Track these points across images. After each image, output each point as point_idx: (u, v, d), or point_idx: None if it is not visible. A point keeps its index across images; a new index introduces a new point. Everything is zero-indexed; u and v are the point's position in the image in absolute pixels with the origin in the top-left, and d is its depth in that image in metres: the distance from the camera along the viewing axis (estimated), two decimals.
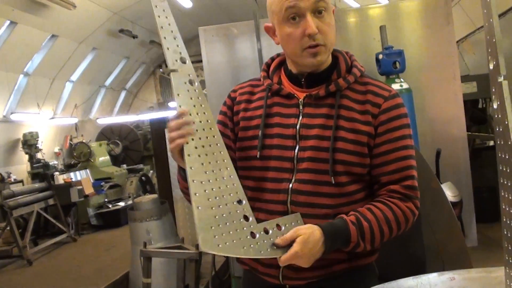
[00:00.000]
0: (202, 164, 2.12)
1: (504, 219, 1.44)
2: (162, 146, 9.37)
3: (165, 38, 2.29)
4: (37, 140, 16.93)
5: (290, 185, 2.32)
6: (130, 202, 14.92)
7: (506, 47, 9.39)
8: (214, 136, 2.24)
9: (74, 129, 20.84)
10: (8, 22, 14.01)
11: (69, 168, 18.10)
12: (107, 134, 21.12)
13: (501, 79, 1.36)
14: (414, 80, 7.25)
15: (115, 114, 24.81)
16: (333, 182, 2.27)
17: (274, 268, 2.33)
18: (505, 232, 1.44)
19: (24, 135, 16.67)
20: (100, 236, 14.32)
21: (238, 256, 2.04)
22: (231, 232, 1.99)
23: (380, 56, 6.97)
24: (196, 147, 2.14)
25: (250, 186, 2.43)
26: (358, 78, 2.39)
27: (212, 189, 2.08)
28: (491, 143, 9.93)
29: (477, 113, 10.92)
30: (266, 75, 2.53)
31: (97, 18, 17.25)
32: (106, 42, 19.16)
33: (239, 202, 2.12)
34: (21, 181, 15.51)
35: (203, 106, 2.27)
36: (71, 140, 20.08)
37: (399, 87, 6.83)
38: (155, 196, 7.27)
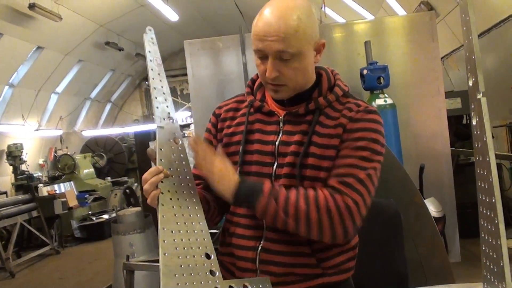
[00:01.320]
0: (175, 215, 2.16)
1: (483, 235, 1.45)
2: (146, 159, 9.35)
3: (156, 98, 2.41)
4: (22, 152, 16.81)
5: None
6: (114, 214, 14.86)
7: (491, 63, 9.47)
8: (191, 192, 2.30)
9: (59, 141, 20.74)
10: None
11: (53, 180, 18.01)
12: (92, 146, 21.05)
13: (479, 96, 1.37)
14: (398, 96, 7.30)
15: (100, 126, 24.72)
16: (305, 189, 2.25)
17: None
18: (483, 248, 1.46)
19: (9, 146, 16.56)
20: (83, 249, 14.24)
21: None
22: (194, 283, 1.99)
23: (365, 72, 7.01)
24: (171, 199, 2.19)
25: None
26: (340, 97, 2.40)
27: (182, 239, 2.10)
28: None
29: (461, 129, 10.96)
30: (250, 91, 2.55)
31: (83, 30, 17.21)
32: (92, 54, 19.11)
33: (207, 256, 2.12)
34: (5, 193, 15.38)
35: (184, 163, 2.35)
36: (55, 152, 19.99)
37: (383, 103, 6.87)
38: (138, 209, 7.24)
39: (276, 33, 2.16)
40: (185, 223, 2.16)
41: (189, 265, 2.03)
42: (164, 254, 1.99)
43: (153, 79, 2.43)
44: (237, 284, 2.12)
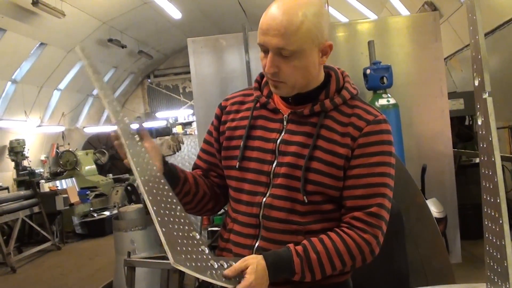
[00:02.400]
0: (158, 198, 2.16)
1: (487, 235, 1.45)
2: None
3: (108, 103, 2.51)
4: (24, 148, 16.81)
5: (264, 199, 2.33)
6: (115, 211, 14.84)
7: (495, 65, 9.47)
8: (161, 180, 2.29)
9: (61, 137, 20.75)
10: None
11: (55, 176, 18.00)
12: (93, 143, 21.05)
13: (485, 95, 1.37)
14: (401, 96, 7.29)
15: (102, 123, 24.73)
16: (306, 201, 2.27)
17: None
18: (487, 248, 1.45)
19: (11, 142, 16.57)
20: (84, 245, 14.24)
21: (205, 279, 2.02)
22: (194, 256, 1.99)
23: (368, 71, 7.00)
24: (146, 188, 2.18)
25: (231, 195, 2.49)
26: (348, 100, 2.36)
27: (171, 219, 2.10)
28: (477, 160, 9.94)
29: (463, 130, 10.95)
30: (257, 86, 2.53)
31: (86, 27, 17.22)
32: (94, 51, 19.10)
33: (194, 237, 2.12)
34: (7, 188, 15.40)
35: (147, 155, 2.37)
36: (57, 148, 20.00)
37: (386, 102, 6.86)
38: (140, 206, 7.24)
39: (277, 28, 2.14)
40: (168, 206, 2.16)
41: (184, 241, 2.04)
42: (162, 230, 1.99)
43: (101, 89, 2.56)
44: (225, 261, 2.12)
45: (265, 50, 2.24)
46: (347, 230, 2.23)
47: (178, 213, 2.16)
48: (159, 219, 2.03)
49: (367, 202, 2.23)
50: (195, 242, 2.08)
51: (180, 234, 2.06)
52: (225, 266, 2.09)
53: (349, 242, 2.20)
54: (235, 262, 2.15)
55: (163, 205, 2.14)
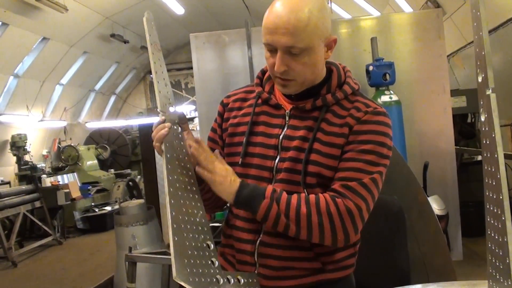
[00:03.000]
0: (181, 202, 2.14)
1: (489, 232, 1.45)
2: (150, 152, 9.36)
3: (158, 82, 2.37)
4: (26, 142, 16.83)
5: None
6: (116, 206, 14.86)
7: (497, 63, 9.45)
8: (192, 181, 2.28)
9: (63, 132, 20.76)
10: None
11: (56, 171, 18.03)
12: (95, 138, 21.08)
13: (489, 92, 1.36)
14: (403, 93, 7.28)
15: (104, 118, 24.74)
16: (306, 194, 2.25)
17: None
18: (489, 245, 1.45)
19: (13, 136, 16.58)
20: (85, 240, 14.26)
21: None
22: (200, 271, 1.98)
23: (370, 68, 6.99)
24: (177, 185, 2.16)
25: None
26: (349, 95, 2.37)
27: (188, 226, 2.08)
28: (479, 157, 9.95)
29: (466, 128, 10.95)
30: (259, 82, 2.53)
31: (88, 22, 17.20)
32: (97, 46, 19.11)
33: (208, 246, 2.11)
34: (8, 183, 15.41)
35: (185, 150, 2.33)
36: (59, 143, 20.01)
37: (389, 99, 6.85)
38: (141, 201, 7.24)
39: (286, 26, 2.13)
40: (189, 211, 2.14)
41: (195, 252, 2.02)
42: (175, 238, 1.96)
43: (155, 63, 2.40)
44: (231, 276, 2.12)
45: (272, 49, 2.23)
46: (320, 194, 2.23)
47: (198, 219, 2.16)
48: (174, 226, 2.00)
49: (348, 178, 2.22)
50: (207, 253, 2.06)
51: (193, 244, 2.04)
52: (232, 281, 2.08)
53: (321, 199, 2.18)
54: (243, 278, 2.16)
55: (184, 209, 2.12)
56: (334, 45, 2.31)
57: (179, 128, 2.37)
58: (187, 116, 19.49)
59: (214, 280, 2.01)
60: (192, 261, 1.97)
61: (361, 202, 2.18)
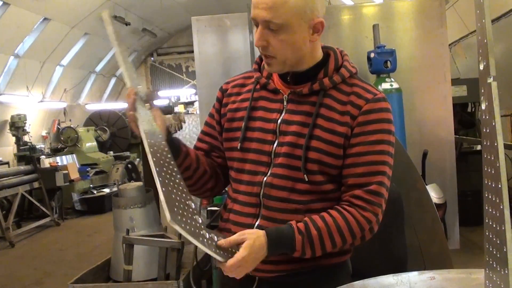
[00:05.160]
0: (161, 162, 2.18)
1: (486, 220, 1.45)
2: None
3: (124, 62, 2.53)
4: (25, 123, 16.81)
5: (265, 179, 2.35)
6: (115, 189, 14.85)
7: (499, 53, 9.45)
8: (165, 148, 2.32)
9: (63, 114, 20.74)
10: (0, 3, 13.91)
11: (55, 152, 18.02)
12: (95, 120, 21.05)
13: (490, 80, 1.36)
14: (404, 81, 7.27)
15: (104, 100, 24.74)
16: (306, 179, 2.28)
17: None
18: (487, 233, 1.45)
19: (12, 117, 16.56)
20: (83, 222, 14.29)
21: (195, 243, 2.02)
22: (189, 221, 2.01)
23: (372, 55, 6.98)
24: (151, 150, 2.21)
25: (232, 176, 2.50)
26: (346, 78, 2.37)
27: (171, 183, 2.12)
28: (478, 147, 9.96)
29: (466, 117, 10.95)
30: (257, 67, 2.53)
31: (90, 3, 17.14)
32: (98, 27, 19.02)
33: (190, 206, 2.13)
34: (7, 163, 15.42)
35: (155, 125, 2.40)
36: (59, 124, 20.01)
37: (389, 87, 6.85)
38: (140, 183, 7.23)
39: (265, 1, 2.17)
40: (169, 172, 2.18)
41: (181, 206, 2.06)
42: (163, 189, 2.02)
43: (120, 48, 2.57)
44: (217, 235, 2.13)
45: (257, 24, 2.26)
46: (348, 207, 2.25)
47: (177, 181, 2.17)
48: (160, 179, 2.05)
49: (367, 180, 2.25)
50: (190, 210, 2.09)
51: (178, 198, 2.08)
52: (215, 239, 2.10)
53: (350, 219, 2.22)
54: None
55: (164, 169, 2.16)
56: (321, 29, 2.29)
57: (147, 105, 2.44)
58: (188, 100, 19.42)
59: (201, 233, 2.04)
60: (180, 212, 2.01)
61: (382, 201, 2.28)
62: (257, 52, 2.58)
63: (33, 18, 15.50)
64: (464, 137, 10.39)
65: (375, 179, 2.25)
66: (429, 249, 4.33)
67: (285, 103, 2.39)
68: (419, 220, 4.31)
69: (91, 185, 15.88)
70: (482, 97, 1.43)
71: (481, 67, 1.42)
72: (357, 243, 2.28)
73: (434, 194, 6.41)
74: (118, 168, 16.64)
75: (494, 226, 1.40)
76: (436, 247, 4.42)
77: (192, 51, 8.38)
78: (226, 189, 2.64)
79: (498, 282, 1.42)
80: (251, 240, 2.10)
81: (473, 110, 11.01)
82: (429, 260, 4.26)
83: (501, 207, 1.34)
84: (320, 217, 2.23)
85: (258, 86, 2.49)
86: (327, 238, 2.20)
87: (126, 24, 19.67)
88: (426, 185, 5.04)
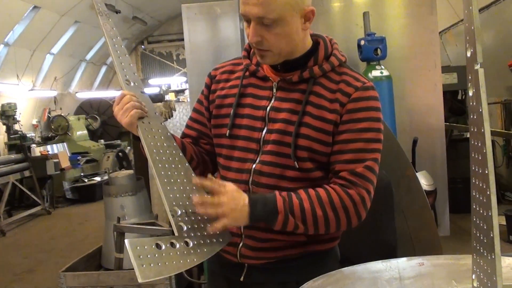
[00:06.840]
0: (163, 158, 2.23)
1: (474, 206, 1.46)
2: None
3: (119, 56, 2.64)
4: (15, 111, 16.78)
5: (253, 166, 2.35)
6: (106, 177, 14.87)
7: (489, 40, 9.45)
8: (170, 138, 2.38)
9: (53, 102, 20.70)
10: None
11: (46, 140, 18.03)
12: (86, 108, 21.02)
13: (477, 66, 1.37)
14: (394, 68, 7.26)
15: (94, 88, 24.69)
16: (297, 166, 2.29)
17: (233, 246, 2.38)
18: (474, 219, 1.46)
19: (2, 105, 16.52)
20: (74, 210, 14.30)
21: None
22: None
23: (362, 42, 6.99)
24: (157, 144, 2.26)
25: (220, 163, 2.51)
26: (336, 67, 2.37)
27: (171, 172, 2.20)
28: (469, 135, 10.00)
29: (456, 104, 10.98)
30: (246, 54, 2.53)
31: None
32: (88, 15, 18.95)
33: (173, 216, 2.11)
34: None
35: (156, 114, 2.46)
36: (49, 112, 19.99)
37: (380, 74, 6.85)
38: (131, 172, 7.24)
39: None
40: (175, 173, 2.21)
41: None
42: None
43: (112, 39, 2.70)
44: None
45: (248, 19, 2.23)
46: (332, 185, 2.26)
47: (179, 180, 2.22)
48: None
49: (354, 167, 2.24)
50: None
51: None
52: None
53: (333, 194, 2.21)
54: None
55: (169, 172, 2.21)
56: (312, 17, 2.29)
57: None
58: (178, 88, 19.41)
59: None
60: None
61: (369, 186, 2.25)
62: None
63: (23, 6, 15.43)
64: (455, 124, 10.42)
65: (362, 165, 2.25)
66: (419, 236, 4.34)
67: (274, 90, 2.39)
68: (409, 207, 4.33)
69: (82, 174, 15.88)
70: (469, 84, 1.44)
71: (468, 54, 1.43)
72: (343, 224, 2.25)
73: (424, 181, 6.43)
74: (109, 157, 16.64)
75: (481, 211, 1.41)
76: (426, 234, 4.43)
77: (183, 39, 8.36)
78: (215, 176, 2.63)
79: (485, 267, 1.43)
80: (230, 186, 2.16)
81: (463, 97, 11.04)
82: (419, 247, 4.27)
83: (488, 193, 1.35)
84: (304, 190, 2.24)
85: (247, 73, 2.48)
86: (308, 207, 2.19)
87: (116, 12, 19.59)
88: (416, 172, 5.06)
